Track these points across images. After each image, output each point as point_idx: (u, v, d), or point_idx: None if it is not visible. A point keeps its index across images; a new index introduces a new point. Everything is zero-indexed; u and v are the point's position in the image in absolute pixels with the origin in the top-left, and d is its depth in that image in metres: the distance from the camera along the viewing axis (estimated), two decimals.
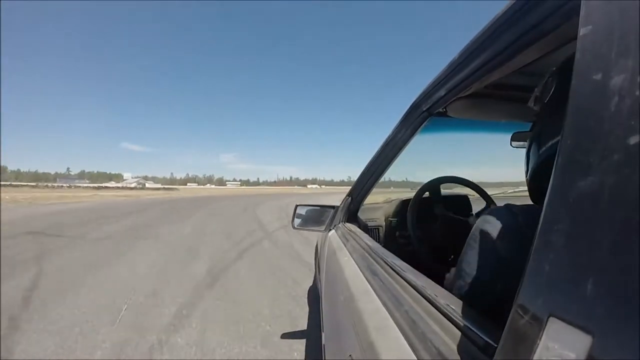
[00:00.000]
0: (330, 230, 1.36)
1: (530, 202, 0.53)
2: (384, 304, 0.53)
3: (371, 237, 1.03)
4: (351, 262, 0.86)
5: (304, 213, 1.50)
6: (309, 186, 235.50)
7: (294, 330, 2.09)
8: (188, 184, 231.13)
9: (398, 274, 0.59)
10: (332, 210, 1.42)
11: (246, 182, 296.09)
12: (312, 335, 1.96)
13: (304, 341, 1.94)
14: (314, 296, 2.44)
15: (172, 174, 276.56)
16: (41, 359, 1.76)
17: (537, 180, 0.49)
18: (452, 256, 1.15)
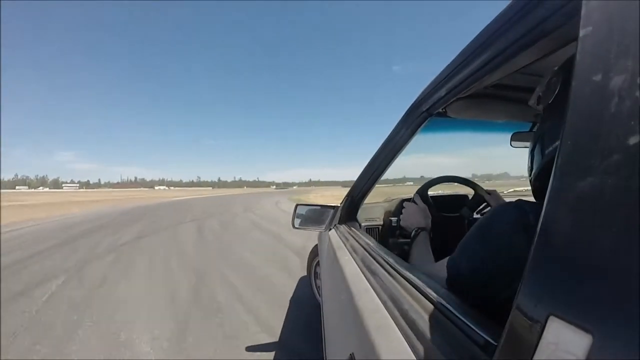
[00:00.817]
0: (330, 229, 1.36)
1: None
2: (384, 303, 0.53)
3: (371, 236, 1.04)
4: (351, 261, 0.86)
5: (304, 213, 1.51)
6: (156, 187, 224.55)
7: None
8: (17, 187, 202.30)
9: (398, 273, 0.59)
10: (332, 210, 1.42)
11: (86, 184, 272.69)
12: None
13: None
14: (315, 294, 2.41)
15: None
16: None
17: (541, 180, 0.49)
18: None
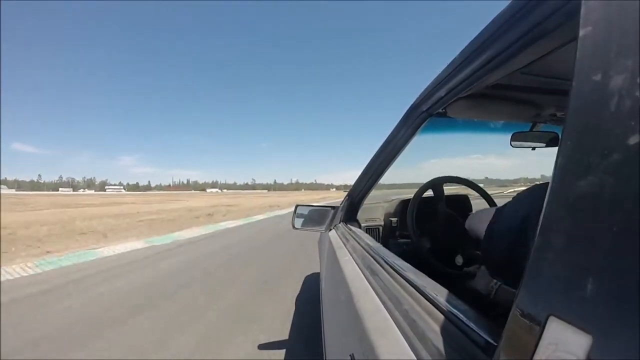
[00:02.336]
0: (331, 230, 1.36)
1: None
2: (384, 304, 0.53)
3: (371, 236, 1.03)
4: (351, 261, 0.86)
5: (304, 213, 1.51)
6: (208, 190, 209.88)
7: None
8: (60, 189, 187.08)
9: (398, 273, 0.59)
10: (332, 211, 1.42)
11: (134, 187, 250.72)
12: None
13: None
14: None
15: (39, 176, 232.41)
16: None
17: None
18: (452, 255, 1.15)
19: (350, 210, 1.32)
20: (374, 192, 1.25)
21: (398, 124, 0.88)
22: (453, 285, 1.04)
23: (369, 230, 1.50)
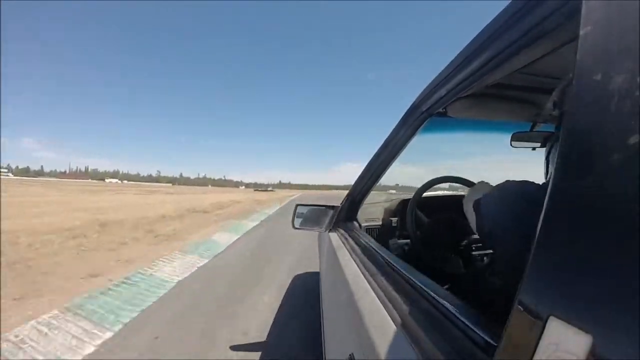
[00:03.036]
0: (331, 230, 1.36)
1: None
2: (384, 304, 0.53)
3: (371, 236, 1.04)
4: (351, 261, 0.86)
5: (304, 213, 1.51)
6: (107, 180, 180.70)
7: None
8: None
9: (398, 273, 0.59)
10: (332, 210, 1.42)
11: (23, 171, 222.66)
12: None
13: None
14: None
15: None
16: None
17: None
18: (452, 255, 1.15)
19: (350, 210, 1.32)
20: (374, 192, 1.25)
21: (398, 123, 0.88)
22: (453, 285, 1.04)
23: (369, 230, 1.50)
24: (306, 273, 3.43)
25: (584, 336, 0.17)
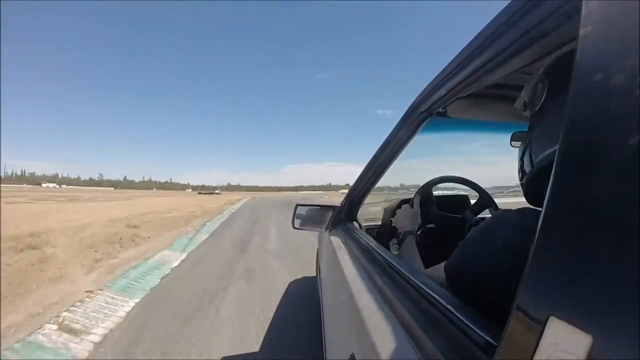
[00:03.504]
0: (331, 230, 1.36)
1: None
2: (384, 304, 0.53)
3: (371, 236, 1.04)
4: (351, 261, 0.86)
5: (304, 213, 1.50)
6: (44, 185, 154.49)
7: None
8: None
9: (398, 273, 0.59)
10: (332, 210, 1.42)
11: None
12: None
13: None
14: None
15: None
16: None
17: (533, 185, 0.48)
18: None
19: (350, 210, 1.32)
20: (374, 192, 1.25)
21: (398, 123, 0.88)
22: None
23: (369, 230, 1.50)
24: None
25: (584, 336, 0.17)
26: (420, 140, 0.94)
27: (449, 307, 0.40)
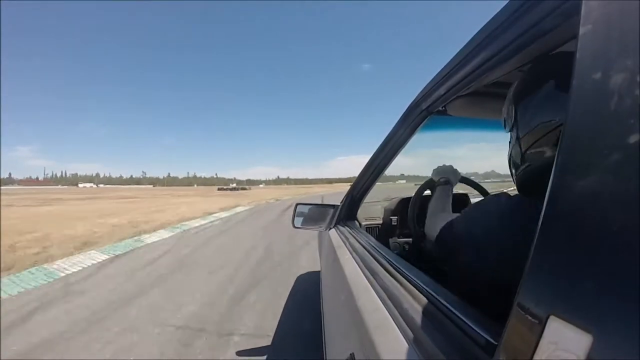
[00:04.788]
0: (331, 228, 1.36)
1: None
2: (385, 303, 0.53)
3: (371, 235, 1.04)
4: (351, 260, 0.86)
5: (304, 212, 1.50)
6: (80, 185, 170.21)
7: None
8: None
9: (398, 272, 0.59)
10: (332, 209, 1.42)
11: None
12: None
13: None
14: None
15: None
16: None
17: (523, 176, 0.53)
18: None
19: (351, 208, 1.32)
20: (374, 191, 1.25)
21: (398, 122, 0.88)
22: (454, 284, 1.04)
23: (369, 229, 1.51)
24: None
25: (584, 336, 0.17)
26: (421, 138, 0.94)
27: (449, 306, 0.40)
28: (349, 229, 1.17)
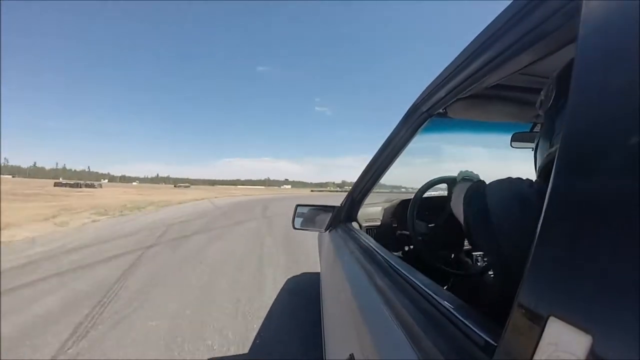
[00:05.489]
0: (331, 230, 1.36)
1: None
2: (384, 303, 0.53)
3: (371, 236, 1.04)
4: (351, 261, 0.86)
5: (304, 213, 1.50)
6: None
7: None
8: None
9: (398, 273, 0.59)
10: (332, 210, 1.42)
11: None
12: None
13: None
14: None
15: None
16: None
17: (543, 179, 0.50)
18: (453, 255, 1.15)
19: (350, 210, 1.32)
20: (374, 192, 1.25)
21: (399, 124, 0.88)
22: (453, 285, 1.04)
23: (369, 230, 1.50)
24: None
25: (584, 336, 0.17)
26: (421, 141, 0.94)
27: (448, 307, 0.40)
28: (349, 230, 1.17)
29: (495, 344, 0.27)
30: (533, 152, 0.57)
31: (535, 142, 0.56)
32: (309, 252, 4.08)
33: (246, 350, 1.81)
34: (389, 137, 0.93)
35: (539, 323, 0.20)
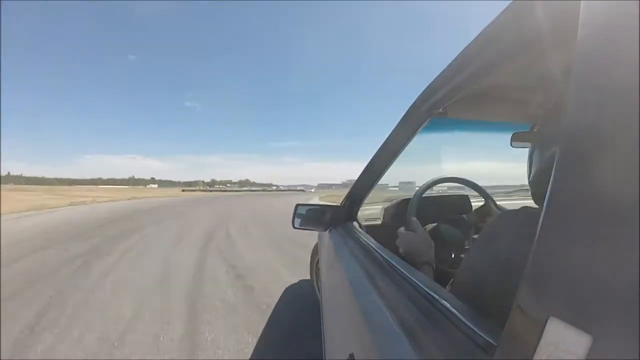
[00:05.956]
0: (331, 229, 1.36)
1: (532, 205, 0.53)
2: (384, 303, 0.53)
3: (371, 236, 1.04)
4: (351, 261, 0.86)
5: (304, 213, 1.50)
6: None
7: None
8: None
9: (398, 273, 0.59)
10: (332, 210, 1.42)
11: None
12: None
13: None
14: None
15: None
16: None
17: (539, 184, 0.50)
18: (453, 255, 1.15)
19: (350, 209, 1.32)
20: (374, 192, 1.25)
21: (398, 123, 0.88)
22: (453, 285, 1.03)
23: (369, 230, 1.50)
24: None
25: (584, 336, 0.17)
26: (421, 141, 0.94)
27: (449, 307, 0.40)
28: (349, 230, 1.17)
29: (496, 344, 0.27)
30: (528, 157, 0.56)
31: (531, 145, 0.55)
32: None
33: None
34: (389, 137, 0.93)
35: (539, 323, 0.20)
